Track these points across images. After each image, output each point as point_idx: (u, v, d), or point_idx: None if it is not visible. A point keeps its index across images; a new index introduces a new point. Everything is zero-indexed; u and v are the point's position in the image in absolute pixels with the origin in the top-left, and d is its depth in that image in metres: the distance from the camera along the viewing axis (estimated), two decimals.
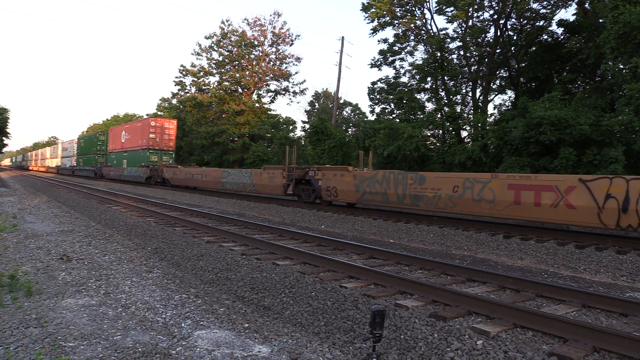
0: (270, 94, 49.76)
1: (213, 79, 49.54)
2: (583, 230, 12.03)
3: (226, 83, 47.28)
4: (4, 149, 59.39)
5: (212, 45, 47.59)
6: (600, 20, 19.68)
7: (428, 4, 28.64)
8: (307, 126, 47.57)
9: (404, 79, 31.49)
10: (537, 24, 25.60)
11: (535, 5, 25.00)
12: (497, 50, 26.87)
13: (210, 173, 26.39)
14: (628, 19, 16.51)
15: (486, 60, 27.22)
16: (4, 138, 43.48)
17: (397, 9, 29.21)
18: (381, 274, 6.91)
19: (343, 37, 37.30)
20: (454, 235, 11.58)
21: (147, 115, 67.22)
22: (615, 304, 5.81)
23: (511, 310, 5.20)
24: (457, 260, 9.12)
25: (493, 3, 25.85)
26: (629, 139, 16.88)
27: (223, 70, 48.02)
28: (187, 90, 51.00)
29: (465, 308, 5.55)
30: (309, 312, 5.48)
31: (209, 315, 5.23)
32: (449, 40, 29.06)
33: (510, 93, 29.48)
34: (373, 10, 28.91)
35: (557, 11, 25.78)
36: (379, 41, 32.72)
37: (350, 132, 45.74)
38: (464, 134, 28.15)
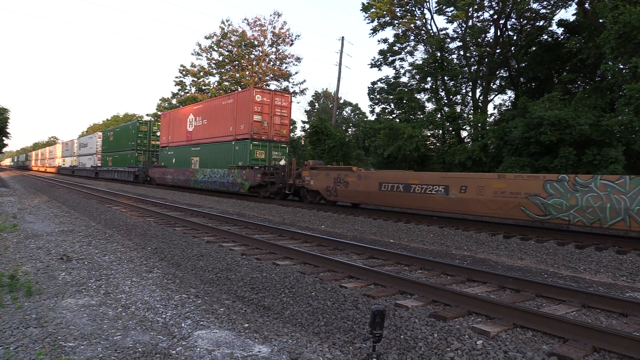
0: None
1: (213, 79, 49.56)
2: (583, 230, 12.02)
3: (226, 83, 47.28)
4: (4, 149, 59.20)
5: (212, 45, 47.60)
6: (600, 20, 19.67)
7: (428, 4, 28.64)
8: (307, 126, 47.58)
9: (404, 79, 31.49)
10: (537, 24, 25.60)
11: (535, 5, 25.00)
12: (497, 50, 26.87)
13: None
14: (628, 19, 16.50)
15: (486, 60, 27.21)
16: (4, 138, 43.47)
17: (397, 9, 29.20)
18: (381, 274, 6.91)
19: (343, 37, 37.32)
20: (454, 235, 11.58)
21: (147, 115, 63.20)
22: (615, 304, 5.81)
23: (511, 310, 5.20)
24: (457, 260, 9.12)
25: (493, 3, 25.85)
26: (628, 139, 16.87)
27: (223, 70, 48.02)
28: (187, 90, 50.97)
29: (465, 308, 5.55)
30: (309, 312, 5.48)
31: (209, 315, 5.23)
32: (449, 40, 29.06)
33: (510, 93, 29.49)
34: (373, 10, 28.90)
35: (557, 11, 25.83)
36: (379, 41, 32.73)
37: (350, 132, 45.75)
38: (464, 134, 28.16)
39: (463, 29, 27.88)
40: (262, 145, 23.00)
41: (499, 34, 26.52)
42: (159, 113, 59.05)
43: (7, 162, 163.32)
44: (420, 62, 29.44)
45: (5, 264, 7.30)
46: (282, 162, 22.86)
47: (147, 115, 61.69)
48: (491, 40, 27.25)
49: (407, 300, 5.97)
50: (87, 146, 54.43)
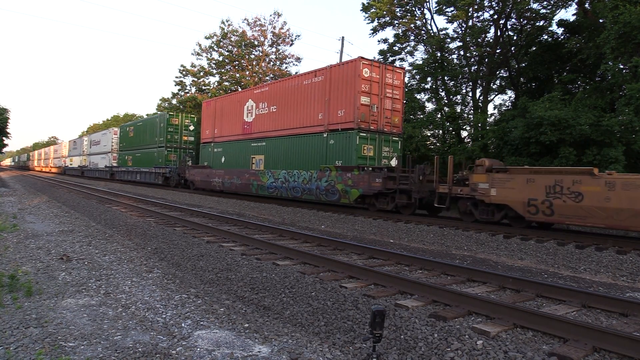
0: None
1: (213, 79, 49.50)
2: (583, 230, 12.00)
3: (226, 83, 47.25)
4: (4, 149, 58.92)
5: (212, 45, 47.56)
6: (600, 20, 19.68)
7: (428, 4, 28.65)
8: None
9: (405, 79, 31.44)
10: (537, 24, 25.61)
11: (535, 5, 25.00)
12: (497, 50, 26.87)
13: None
14: (628, 19, 16.50)
15: (486, 60, 27.21)
16: (4, 138, 43.44)
17: (397, 9, 29.21)
18: (381, 274, 6.91)
19: (343, 37, 37.33)
20: (454, 235, 11.57)
21: (147, 115, 59.40)
22: (615, 304, 5.81)
23: (511, 311, 5.20)
24: (457, 261, 9.12)
25: (493, 3, 25.86)
26: (629, 139, 16.88)
27: (223, 70, 47.99)
28: (187, 90, 50.95)
29: (465, 308, 5.54)
30: (309, 312, 5.48)
31: (209, 315, 5.23)
32: (449, 40, 29.07)
33: (510, 93, 29.51)
34: (373, 10, 28.90)
35: (557, 11, 25.86)
36: (379, 41, 32.86)
37: None
38: (464, 134, 28.15)
39: (463, 29, 27.89)
40: (370, 138, 16.69)
41: (499, 34, 26.53)
42: (158, 112, 56.98)
43: (8, 162, 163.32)
44: (420, 62, 29.47)
45: (6, 264, 7.30)
46: (394, 162, 17.03)
47: (147, 115, 60.95)
48: (491, 40, 27.26)
49: (407, 301, 5.97)
50: (99, 144, 47.82)
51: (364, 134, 16.57)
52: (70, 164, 61.14)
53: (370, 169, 15.86)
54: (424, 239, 11.43)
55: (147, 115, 60.05)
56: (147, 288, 6.29)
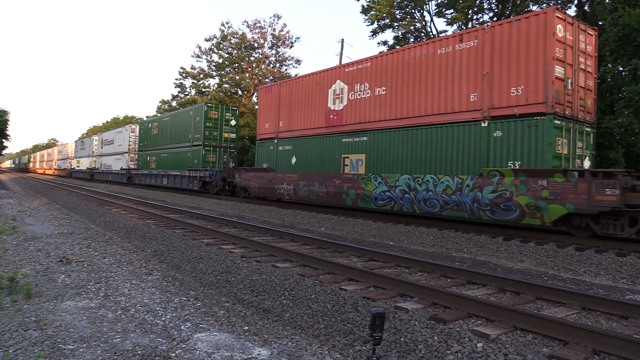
0: None
1: (213, 81, 49.57)
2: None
3: (226, 85, 47.30)
4: (4, 151, 58.60)
5: (212, 47, 47.64)
6: (600, 23, 19.71)
7: (428, 6, 28.68)
8: None
9: None
10: None
11: (534, 8, 25.03)
12: None
13: None
14: (627, 21, 16.52)
15: None
16: (3, 140, 43.43)
17: (397, 12, 29.25)
18: (381, 277, 6.90)
19: (343, 39, 37.34)
20: (453, 237, 11.57)
21: (147, 117, 57.91)
22: (615, 306, 5.81)
23: (511, 313, 5.20)
24: (457, 263, 9.11)
25: (492, 5, 25.90)
26: (628, 141, 16.88)
27: (223, 72, 48.05)
28: (187, 93, 51.01)
29: (465, 310, 5.54)
30: (308, 315, 5.48)
31: (208, 318, 5.22)
32: None
33: None
34: (373, 12, 28.95)
35: None
36: (378, 43, 33.10)
37: None
38: None
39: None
40: (565, 128, 11.84)
41: None
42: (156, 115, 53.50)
43: (7, 164, 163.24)
44: None
45: (5, 267, 7.29)
46: (587, 164, 12.78)
47: (147, 117, 60.72)
48: None
49: (407, 303, 5.96)
50: (113, 143, 42.76)
51: (559, 122, 11.56)
52: (78, 166, 56.55)
53: (585, 173, 10.34)
54: (423, 242, 11.42)
55: (147, 117, 58.30)
56: (147, 290, 6.28)
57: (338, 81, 17.59)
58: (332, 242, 10.21)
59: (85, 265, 7.68)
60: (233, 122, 28.59)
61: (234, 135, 28.90)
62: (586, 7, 22.64)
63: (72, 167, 59.61)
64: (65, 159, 64.37)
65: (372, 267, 8.17)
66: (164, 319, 5.13)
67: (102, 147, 46.94)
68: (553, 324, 4.85)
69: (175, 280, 7.01)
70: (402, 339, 4.66)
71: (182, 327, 4.87)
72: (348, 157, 16.87)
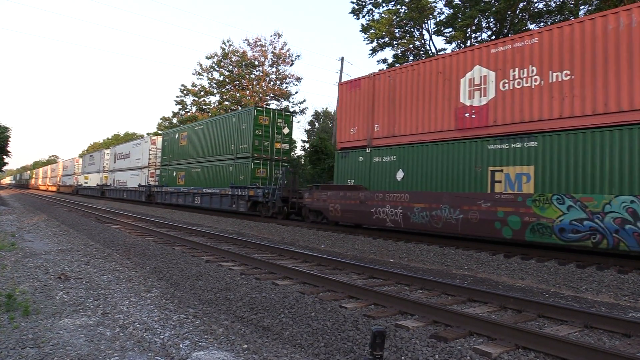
0: None
1: (214, 99, 50.00)
2: (584, 249, 11.84)
3: (227, 102, 47.68)
4: (5, 168, 58.56)
5: (213, 65, 48.17)
6: None
7: (427, 25, 29.04)
8: (307, 145, 47.76)
9: None
10: None
11: (532, 27, 25.33)
12: None
13: None
14: None
15: None
16: (4, 156, 43.55)
17: (396, 30, 29.61)
18: (381, 294, 6.86)
19: (343, 58, 37.69)
20: (454, 254, 11.52)
21: (147, 134, 60.26)
22: (618, 324, 5.75)
23: (513, 331, 5.15)
24: (457, 280, 9.06)
25: (490, 24, 26.21)
26: None
27: (224, 89, 48.48)
28: (187, 110, 51.39)
29: (466, 329, 5.49)
30: (308, 333, 5.43)
31: (207, 336, 5.17)
32: None
33: None
34: (372, 31, 29.30)
35: None
36: (378, 61, 33.24)
37: None
38: None
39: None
40: None
41: None
42: (159, 132, 48.89)
43: (8, 180, 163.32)
44: None
45: (3, 283, 7.25)
46: None
47: (148, 134, 60.62)
48: None
49: (407, 321, 5.91)
50: (128, 157, 38.34)
51: None
52: (85, 183, 52.55)
53: None
54: (424, 259, 11.38)
55: (147, 134, 56.21)
56: (145, 308, 6.23)
57: (477, 67, 12.94)
58: (332, 259, 10.16)
59: (84, 282, 7.64)
60: (286, 130, 23.60)
61: (286, 146, 23.77)
62: None
63: (79, 183, 56.06)
64: (71, 175, 60.83)
65: (373, 284, 8.13)
66: (162, 337, 5.08)
67: (114, 162, 42.53)
68: (555, 342, 4.80)
69: (174, 297, 6.96)
70: (402, 358, 4.61)
71: (181, 345, 4.83)
72: (500, 171, 12.07)
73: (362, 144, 16.33)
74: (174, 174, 30.35)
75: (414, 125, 14.40)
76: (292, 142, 24.15)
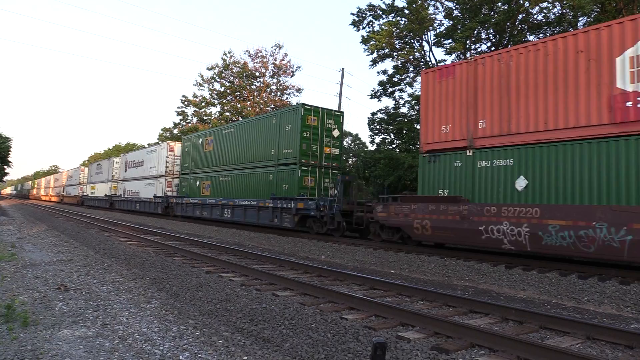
0: None
1: (214, 109, 50.20)
2: (585, 260, 11.70)
3: (227, 113, 47.86)
4: (5, 178, 58.57)
5: (214, 76, 48.41)
6: None
7: (427, 36, 29.22)
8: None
9: (404, 110, 31.86)
10: None
11: (532, 38, 25.49)
12: None
13: None
14: None
15: None
16: (5, 167, 43.65)
17: (396, 42, 29.78)
18: (382, 305, 6.82)
19: (343, 69, 37.93)
20: (455, 265, 11.48)
21: (148, 144, 56.88)
22: (620, 335, 5.72)
23: (515, 343, 5.12)
24: (458, 291, 9.02)
25: (490, 35, 26.37)
26: None
27: (224, 100, 48.69)
28: (188, 121, 51.60)
29: (468, 340, 5.45)
30: (309, 345, 5.39)
31: (207, 347, 5.14)
32: None
33: None
34: (372, 42, 29.46)
35: None
36: (378, 72, 33.41)
37: (350, 162, 46.00)
38: None
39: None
40: None
41: None
42: (159, 143, 53.74)
43: (9, 190, 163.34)
44: (420, 93, 29.85)
45: (2, 294, 7.22)
46: None
47: (149, 144, 60.64)
48: None
49: (408, 332, 5.87)
50: (142, 165, 35.15)
51: None
52: (92, 193, 49.36)
53: None
54: (425, 270, 11.33)
55: (148, 144, 55.94)
56: (145, 319, 6.20)
57: None
58: (333, 270, 10.13)
59: (84, 293, 7.61)
60: (336, 133, 20.03)
61: (337, 151, 20.13)
62: None
63: (85, 193, 52.87)
64: (76, 185, 57.65)
65: (373, 295, 8.09)
66: (162, 348, 5.05)
67: (125, 171, 39.27)
68: (558, 354, 4.77)
69: (174, 308, 6.93)
70: None
71: (181, 357, 4.80)
72: None
73: (460, 145, 13.22)
74: (197, 183, 27.10)
75: (541, 120, 11.45)
76: (342, 147, 21.06)
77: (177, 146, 31.60)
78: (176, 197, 28.74)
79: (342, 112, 20.64)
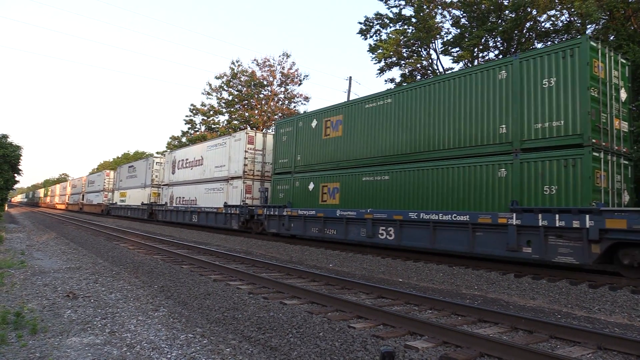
0: None
1: (223, 118, 50.47)
2: (596, 268, 11.62)
3: (235, 122, 48.11)
4: (15, 186, 58.97)
5: (222, 85, 48.73)
6: None
7: (434, 44, 29.26)
8: None
9: None
10: None
11: (539, 45, 25.43)
12: None
13: None
14: (632, 58, 16.72)
15: None
16: (15, 175, 44.02)
17: (404, 50, 29.84)
18: (390, 314, 6.78)
19: (350, 77, 38.06)
20: (463, 274, 11.40)
21: (157, 153, 58.09)
22: (632, 346, 5.63)
23: (525, 353, 5.06)
24: (467, 300, 8.94)
25: (498, 43, 26.36)
26: None
27: (232, 109, 48.95)
28: (197, 129, 51.91)
29: (477, 350, 5.40)
30: (316, 353, 5.37)
31: (214, 356, 5.13)
32: None
33: None
34: (380, 51, 29.54)
35: None
36: (386, 81, 33.43)
37: None
38: None
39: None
40: None
41: None
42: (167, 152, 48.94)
43: (19, 198, 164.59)
44: None
45: (12, 301, 7.27)
46: None
47: (157, 153, 61.24)
48: None
49: (417, 342, 5.83)
50: (200, 164, 27.00)
51: None
52: (122, 200, 40.68)
53: None
54: (433, 278, 11.26)
55: (156, 153, 55.11)
56: (153, 327, 6.21)
57: None
58: (341, 278, 10.09)
59: (92, 300, 7.64)
60: (624, 96, 11.86)
61: (625, 125, 11.82)
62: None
63: (112, 201, 44.53)
64: (99, 192, 49.26)
65: (381, 304, 8.04)
66: (169, 356, 5.05)
67: (173, 172, 30.81)
68: None
69: (182, 316, 6.94)
70: None
71: None
72: None
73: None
74: (311, 186, 18.25)
75: None
76: (631, 120, 12.61)
77: (259, 137, 23.17)
78: (267, 207, 19.94)
79: (629, 60, 12.90)
